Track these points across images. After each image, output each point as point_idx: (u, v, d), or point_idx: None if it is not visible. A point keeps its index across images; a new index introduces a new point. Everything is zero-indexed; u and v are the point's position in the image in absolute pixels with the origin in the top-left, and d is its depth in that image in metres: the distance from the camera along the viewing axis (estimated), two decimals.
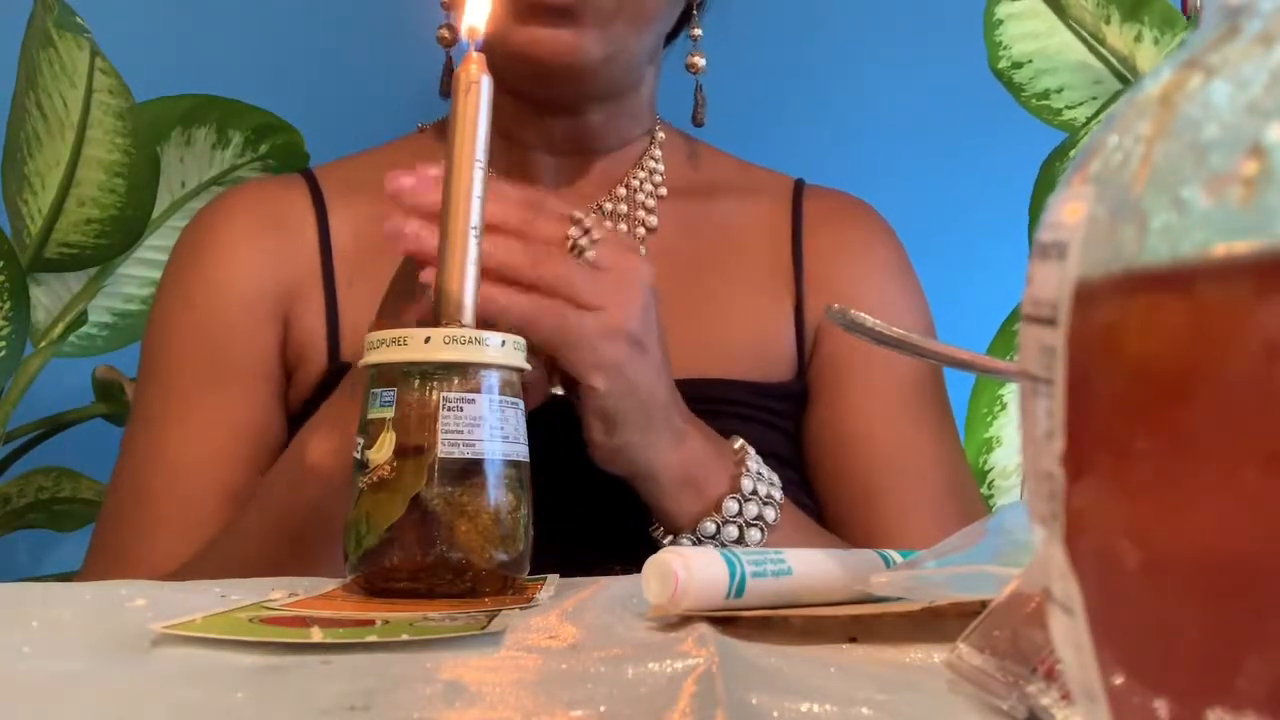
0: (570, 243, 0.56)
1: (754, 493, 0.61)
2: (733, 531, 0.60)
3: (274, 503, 0.60)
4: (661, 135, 0.80)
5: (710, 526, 0.60)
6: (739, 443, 0.64)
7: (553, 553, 0.51)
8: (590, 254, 0.56)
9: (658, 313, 0.60)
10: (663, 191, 0.78)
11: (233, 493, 0.67)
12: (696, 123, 0.79)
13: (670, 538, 0.61)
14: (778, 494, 0.62)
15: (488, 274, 0.50)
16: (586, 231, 0.57)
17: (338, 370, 0.70)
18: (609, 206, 0.76)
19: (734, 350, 0.74)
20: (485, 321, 0.49)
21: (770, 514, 0.61)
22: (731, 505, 0.60)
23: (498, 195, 0.54)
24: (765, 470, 0.63)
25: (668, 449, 0.59)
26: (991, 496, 1.01)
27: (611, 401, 0.57)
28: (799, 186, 0.82)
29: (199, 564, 0.62)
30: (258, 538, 0.60)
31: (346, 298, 0.72)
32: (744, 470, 0.61)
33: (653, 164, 0.78)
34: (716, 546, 0.60)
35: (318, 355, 0.72)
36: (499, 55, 0.67)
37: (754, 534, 0.60)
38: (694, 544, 0.60)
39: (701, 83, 0.79)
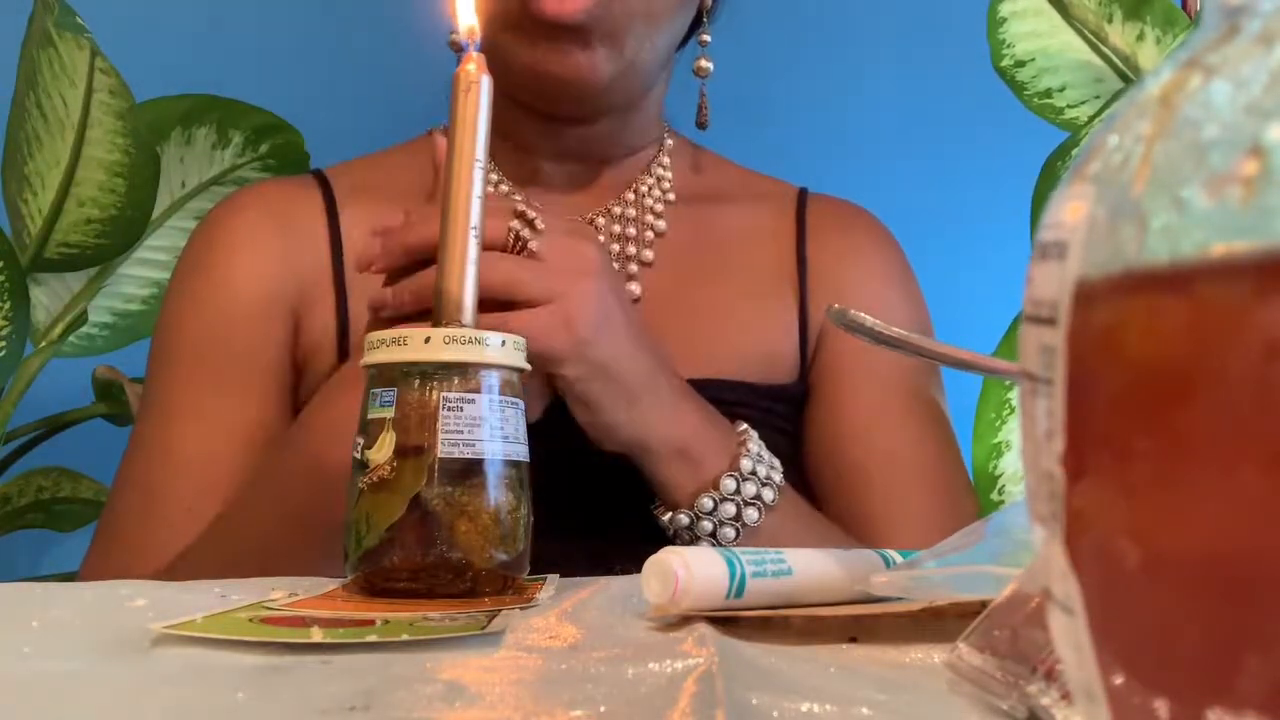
0: (513, 235, 0.56)
1: (753, 473, 0.61)
2: (730, 509, 0.60)
3: (291, 501, 0.59)
4: (670, 142, 0.81)
5: (708, 503, 0.60)
6: (742, 426, 0.64)
7: (553, 552, 0.51)
8: (534, 245, 0.56)
9: (619, 292, 0.60)
10: (670, 198, 0.78)
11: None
12: (700, 126, 0.80)
13: (669, 514, 0.61)
14: (777, 477, 0.63)
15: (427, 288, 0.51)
16: (530, 223, 0.57)
17: None
18: (618, 211, 0.77)
19: (739, 352, 0.74)
20: None
21: (769, 495, 0.61)
22: (729, 483, 0.60)
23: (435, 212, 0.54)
24: (766, 454, 0.63)
25: (661, 422, 0.60)
26: (1002, 501, 1.01)
27: (583, 386, 0.57)
28: (803, 194, 0.83)
29: (199, 554, 0.62)
30: (273, 533, 0.59)
31: (357, 297, 0.73)
32: (744, 450, 0.62)
33: (661, 171, 0.79)
34: (714, 524, 0.60)
35: (328, 354, 0.72)
36: (508, 71, 0.67)
37: (751, 513, 0.61)
38: (691, 520, 0.60)
39: (705, 85, 0.79)
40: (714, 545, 0.60)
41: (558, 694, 0.29)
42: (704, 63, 0.78)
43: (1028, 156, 0.98)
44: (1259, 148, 0.14)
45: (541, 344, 0.54)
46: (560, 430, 0.58)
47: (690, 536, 0.61)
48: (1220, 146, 0.15)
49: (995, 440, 1.01)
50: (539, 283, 0.56)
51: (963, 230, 1.11)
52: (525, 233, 0.56)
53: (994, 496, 1.00)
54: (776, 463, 0.64)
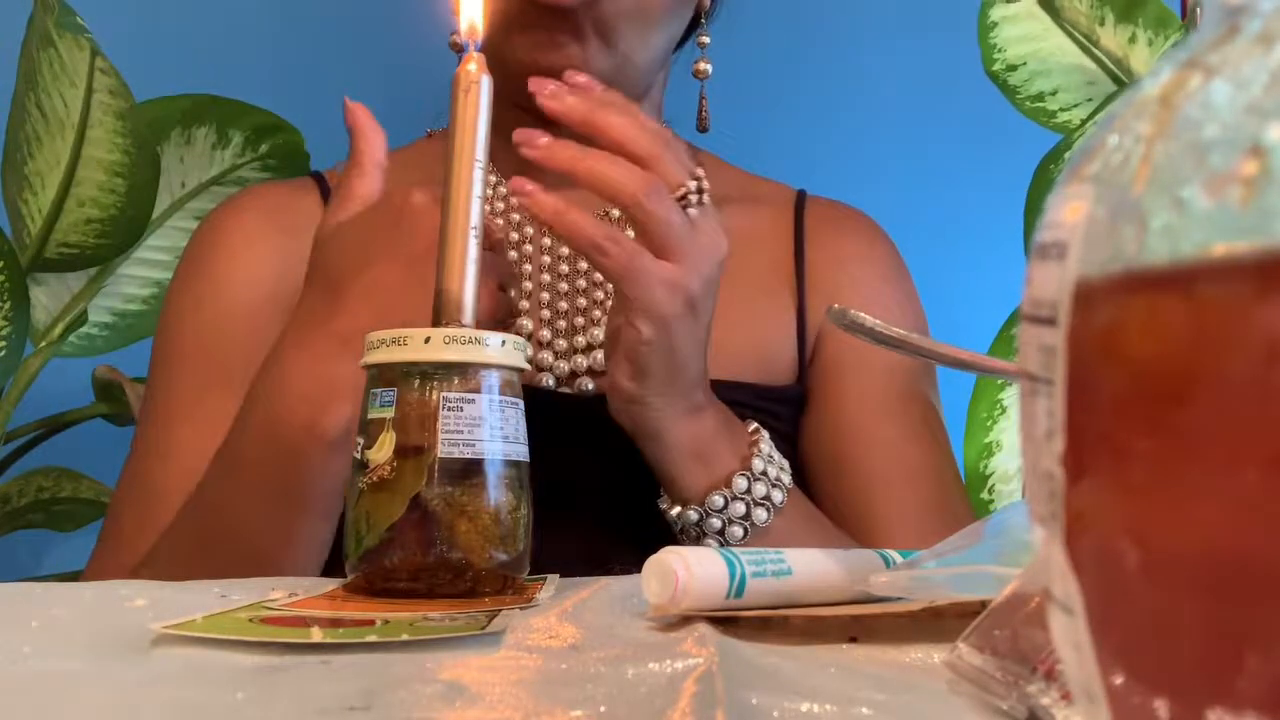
0: (684, 191, 0.57)
1: (763, 474, 0.62)
2: (740, 508, 0.60)
3: (252, 466, 0.58)
4: None
5: (718, 500, 0.60)
6: (754, 425, 0.64)
7: (553, 552, 0.51)
8: (693, 212, 0.57)
9: (716, 294, 0.61)
10: None
11: None
12: (700, 128, 0.80)
13: (678, 509, 0.61)
14: (786, 479, 0.63)
15: (598, 177, 0.55)
16: (700, 193, 0.58)
17: None
18: (616, 213, 0.76)
19: (737, 353, 0.74)
20: (487, 321, 0.49)
21: (778, 496, 0.62)
22: (740, 482, 0.61)
23: (638, 122, 0.57)
24: (776, 455, 0.64)
25: (681, 419, 0.60)
26: (992, 501, 1.01)
27: (647, 351, 0.57)
28: (800, 197, 0.83)
29: (174, 534, 0.62)
30: (238, 501, 0.59)
31: None
32: (756, 450, 0.62)
33: None
34: (723, 522, 0.60)
35: None
36: (505, 71, 0.67)
37: (760, 514, 0.61)
38: (700, 517, 0.60)
39: (705, 88, 0.79)
40: (721, 544, 0.60)
41: (558, 694, 0.29)
42: (703, 65, 0.78)
43: (1021, 159, 0.99)
44: (1259, 148, 0.14)
45: (647, 292, 0.55)
46: (558, 433, 0.58)
47: (697, 533, 0.61)
48: (1220, 146, 0.15)
49: (986, 440, 1.01)
50: (681, 241, 0.56)
51: (958, 232, 1.11)
52: (693, 196, 0.57)
53: (984, 496, 1.01)
54: (786, 464, 0.64)
